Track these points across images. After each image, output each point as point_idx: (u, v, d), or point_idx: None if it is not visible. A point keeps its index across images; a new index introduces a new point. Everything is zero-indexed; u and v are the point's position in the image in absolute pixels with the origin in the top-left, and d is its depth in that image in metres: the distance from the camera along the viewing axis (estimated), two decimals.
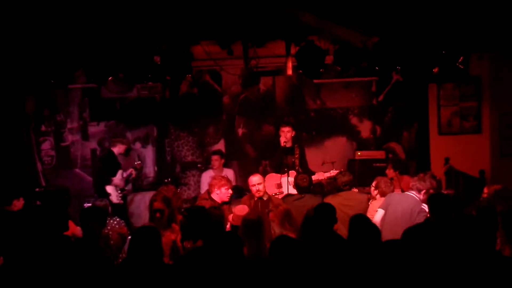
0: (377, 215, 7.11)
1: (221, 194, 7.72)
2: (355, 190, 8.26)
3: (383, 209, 7.11)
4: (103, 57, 8.37)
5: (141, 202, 11.13)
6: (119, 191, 9.93)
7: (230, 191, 7.87)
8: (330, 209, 5.97)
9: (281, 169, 9.13)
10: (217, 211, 6.54)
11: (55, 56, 8.33)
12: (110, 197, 9.62)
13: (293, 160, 9.29)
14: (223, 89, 11.57)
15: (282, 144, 9.32)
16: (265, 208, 7.24)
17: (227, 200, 7.78)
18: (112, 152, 10.19)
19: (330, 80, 10.90)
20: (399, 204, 7.07)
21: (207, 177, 9.63)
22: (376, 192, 7.82)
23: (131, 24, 8.18)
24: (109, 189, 9.86)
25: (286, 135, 9.36)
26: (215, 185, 7.77)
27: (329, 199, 7.38)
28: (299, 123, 11.23)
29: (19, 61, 8.44)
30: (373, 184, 7.93)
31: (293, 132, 9.46)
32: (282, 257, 4.70)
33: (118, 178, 9.99)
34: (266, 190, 7.95)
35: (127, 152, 10.59)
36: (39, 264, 5.02)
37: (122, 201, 9.92)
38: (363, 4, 7.87)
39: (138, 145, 11.66)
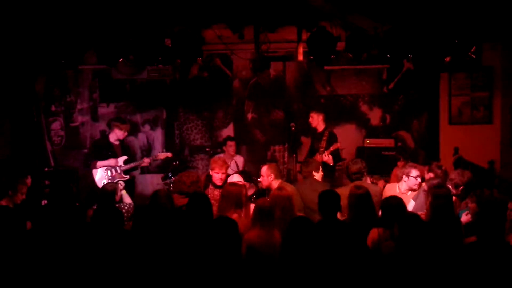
0: (409, 205, 6.81)
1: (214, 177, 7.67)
2: (368, 181, 7.78)
3: (414, 200, 6.97)
4: (114, 39, 8.36)
5: (148, 184, 11.22)
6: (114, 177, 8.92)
7: (221, 175, 7.65)
8: (335, 196, 5.91)
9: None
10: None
11: (66, 37, 8.34)
12: (96, 182, 8.88)
13: (320, 144, 9.56)
14: (233, 74, 11.54)
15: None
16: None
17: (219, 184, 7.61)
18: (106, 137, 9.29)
19: (341, 67, 10.85)
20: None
21: None
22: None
23: (142, 6, 8.17)
24: (96, 172, 9.01)
25: (317, 121, 9.79)
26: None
27: (341, 191, 6.57)
28: (309, 109, 11.19)
29: (31, 40, 8.46)
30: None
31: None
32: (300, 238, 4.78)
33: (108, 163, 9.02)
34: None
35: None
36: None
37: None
38: None
39: (147, 127, 11.67)
